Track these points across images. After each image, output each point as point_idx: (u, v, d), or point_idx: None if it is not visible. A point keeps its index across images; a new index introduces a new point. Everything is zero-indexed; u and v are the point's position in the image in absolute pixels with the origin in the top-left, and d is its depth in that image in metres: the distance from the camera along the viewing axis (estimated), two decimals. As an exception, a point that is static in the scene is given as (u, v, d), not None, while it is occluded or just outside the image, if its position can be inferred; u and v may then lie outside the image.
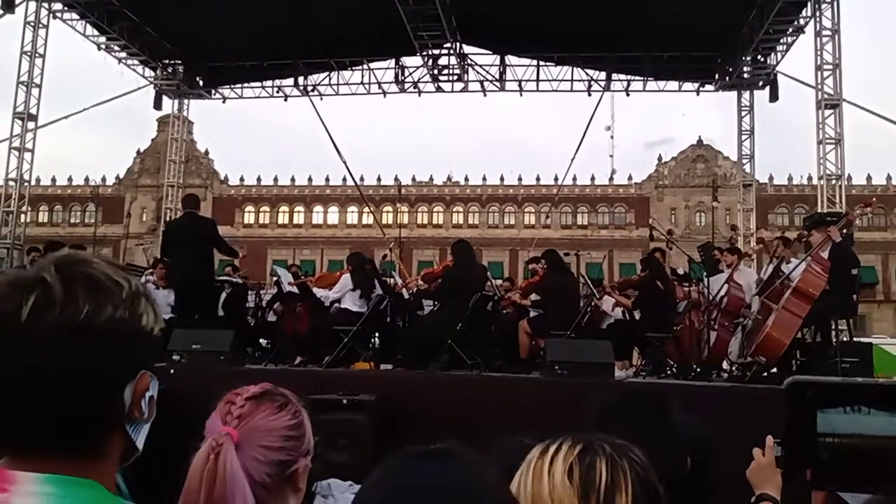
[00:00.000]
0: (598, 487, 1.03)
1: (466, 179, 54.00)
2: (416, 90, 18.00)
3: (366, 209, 49.20)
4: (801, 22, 14.07)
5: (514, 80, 17.68)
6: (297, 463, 1.38)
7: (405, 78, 17.92)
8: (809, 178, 47.87)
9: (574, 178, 46.26)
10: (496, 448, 1.85)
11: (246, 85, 18.99)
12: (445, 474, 1.01)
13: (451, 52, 16.65)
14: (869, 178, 46.44)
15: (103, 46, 17.00)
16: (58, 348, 0.84)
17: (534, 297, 8.74)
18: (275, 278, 9.96)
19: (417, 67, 17.63)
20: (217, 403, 1.44)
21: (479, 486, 0.97)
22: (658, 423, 1.53)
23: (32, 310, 0.84)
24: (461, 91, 17.85)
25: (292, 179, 54.80)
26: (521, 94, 17.82)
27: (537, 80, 17.62)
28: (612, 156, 65.84)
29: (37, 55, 15.32)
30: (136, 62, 17.75)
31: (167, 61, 18.23)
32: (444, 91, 17.90)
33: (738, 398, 6.27)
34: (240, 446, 1.26)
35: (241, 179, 55.04)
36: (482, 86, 17.73)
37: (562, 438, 1.10)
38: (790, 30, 14.55)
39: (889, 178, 48.96)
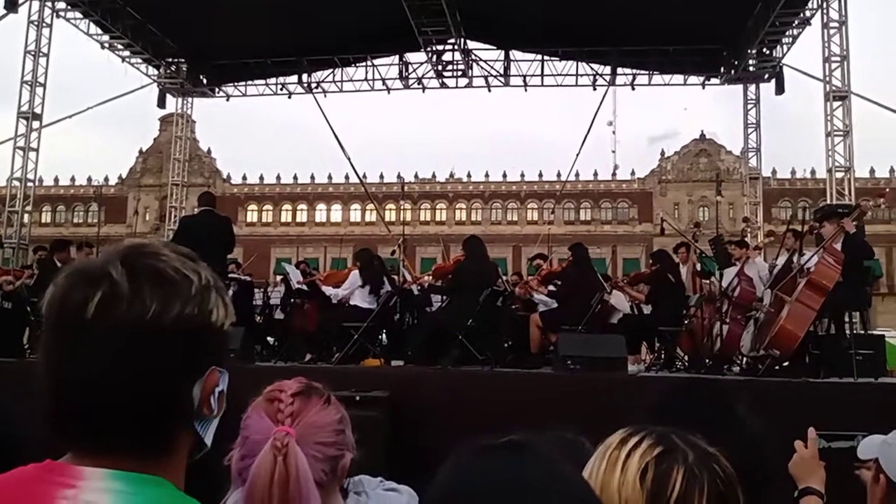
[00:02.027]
0: (668, 498, 0.97)
1: (469, 176, 53.94)
2: (420, 86, 17.94)
3: (369, 207, 49.21)
4: (808, 14, 14.00)
5: (519, 76, 17.64)
6: (345, 457, 1.33)
7: (409, 74, 17.86)
8: (813, 172, 47.85)
9: (577, 174, 46.13)
10: (536, 441, 1.80)
11: (250, 83, 18.95)
12: (524, 468, 0.95)
13: (456, 47, 16.59)
14: (872, 170, 46.24)
15: (107, 45, 16.97)
16: (123, 347, 0.81)
17: (552, 287, 8.68)
18: (280, 277, 9.92)
19: (421, 63, 17.59)
20: (249, 399, 1.38)
21: (561, 480, 0.91)
22: (727, 419, 1.47)
23: (98, 306, 0.81)
24: (465, 87, 17.80)
25: (295, 178, 54.78)
26: (525, 90, 17.78)
27: (542, 75, 17.56)
28: (614, 151, 65.44)
29: (41, 54, 15.30)
30: (139, 61, 17.71)
31: (171, 60, 18.19)
32: (448, 87, 17.85)
33: (753, 392, 6.23)
34: (298, 445, 1.21)
35: (244, 178, 55.05)
36: (486, 81, 17.67)
37: (644, 431, 1.03)
38: (796, 22, 14.47)
39: (892, 170, 48.77)
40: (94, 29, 16.44)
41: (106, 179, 53.86)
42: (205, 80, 18.80)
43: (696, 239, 9.72)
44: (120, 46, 17.07)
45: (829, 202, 12.28)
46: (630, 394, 5.64)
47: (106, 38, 16.75)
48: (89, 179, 53.54)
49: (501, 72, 17.59)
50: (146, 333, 0.81)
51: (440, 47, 16.62)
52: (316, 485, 1.21)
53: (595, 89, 17.51)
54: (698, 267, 9.39)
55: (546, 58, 17.39)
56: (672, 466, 0.99)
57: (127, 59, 17.53)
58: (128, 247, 0.87)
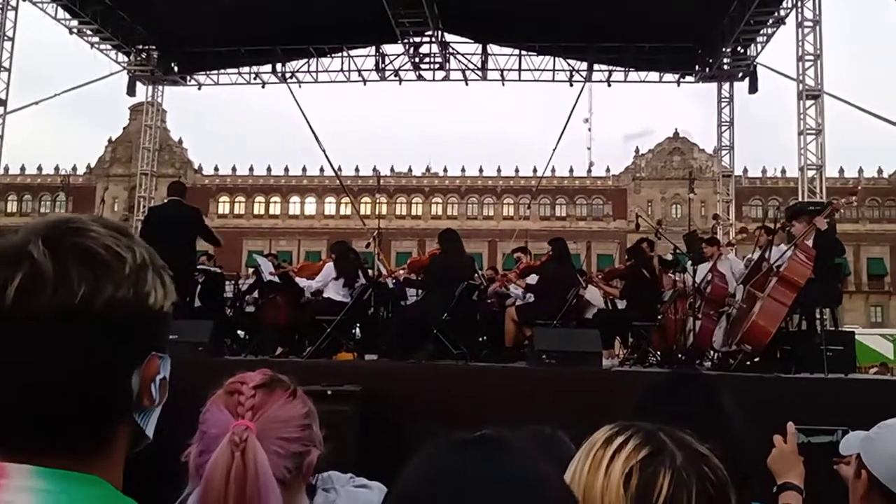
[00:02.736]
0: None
1: (445, 170, 53.93)
2: (397, 78, 17.80)
3: (344, 200, 48.94)
4: (782, 13, 14.13)
5: (496, 70, 17.58)
6: (311, 454, 1.26)
7: (385, 66, 17.72)
8: (783, 171, 48.65)
9: (553, 170, 46.31)
10: (514, 436, 1.74)
11: (222, 71, 18.63)
12: (499, 464, 0.89)
13: (433, 40, 16.46)
14: (841, 170, 47.12)
15: (75, 30, 16.55)
16: (49, 336, 0.72)
17: (530, 280, 8.66)
18: (252, 269, 9.78)
19: (398, 55, 17.45)
20: (209, 393, 1.30)
21: (538, 477, 0.85)
22: (714, 412, 1.42)
23: (17, 291, 0.71)
24: (443, 80, 17.70)
25: (268, 169, 54.32)
26: (503, 84, 17.74)
27: (519, 70, 17.54)
28: (589, 148, 66.03)
29: (5, 38, 14.89)
30: (108, 47, 17.29)
31: (141, 46, 17.79)
32: (425, 80, 17.73)
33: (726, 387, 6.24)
34: (259, 440, 1.13)
35: (216, 169, 54.45)
36: (464, 75, 17.59)
37: (631, 429, 0.97)
38: (770, 21, 14.60)
39: (861, 170, 49.75)
40: (62, 13, 16.04)
41: (74, 169, 53.02)
42: (176, 68, 18.45)
43: (658, 237, 9.83)
44: (89, 32, 16.66)
45: (800, 200, 12.42)
46: (605, 388, 5.62)
47: (75, 23, 16.33)
48: (57, 169, 52.66)
49: (479, 65, 17.52)
50: (74, 321, 0.72)
51: (417, 39, 16.49)
52: (278, 482, 1.13)
53: (572, 85, 17.55)
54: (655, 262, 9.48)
55: (523, 52, 17.36)
56: (658, 471, 0.93)
57: (96, 46, 17.12)
58: (51, 222, 0.77)
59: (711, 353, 8.56)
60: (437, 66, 17.23)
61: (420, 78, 17.66)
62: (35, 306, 0.71)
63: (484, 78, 17.61)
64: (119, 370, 0.76)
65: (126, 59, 17.90)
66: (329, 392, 5.93)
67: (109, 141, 53.77)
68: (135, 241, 0.80)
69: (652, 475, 0.92)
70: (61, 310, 0.72)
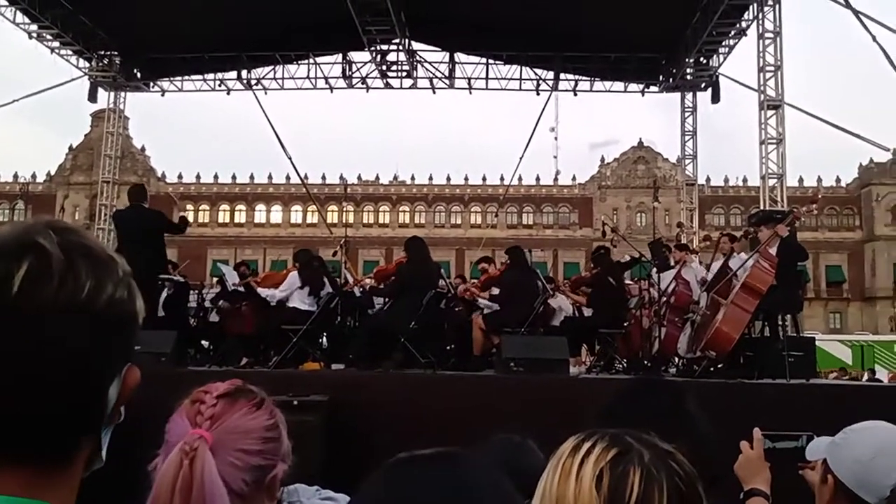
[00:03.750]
0: (627, 502, 0.90)
1: (413, 179, 53.93)
2: (364, 86, 17.76)
3: (311, 208, 48.62)
4: (744, 24, 14.41)
5: (464, 78, 17.64)
6: (276, 468, 1.22)
7: (353, 73, 17.66)
8: (745, 180, 49.60)
9: (520, 179, 46.65)
10: (483, 446, 1.73)
11: (186, 78, 18.37)
12: (457, 480, 0.88)
13: (400, 47, 16.46)
14: (801, 179, 48.17)
15: (34, 35, 16.19)
16: (53, 330, 0.67)
17: (494, 290, 8.67)
18: (217, 278, 9.63)
19: (365, 63, 17.40)
20: (172, 405, 1.26)
21: (494, 493, 0.85)
22: (679, 415, 1.42)
23: (25, 280, 0.66)
24: (410, 88, 17.72)
25: (233, 177, 53.76)
26: (470, 92, 17.79)
27: (486, 79, 17.62)
28: (556, 157, 66.69)
29: (-39, 42, 14.51)
30: (69, 52, 16.95)
31: (103, 52, 17.46)
32: (392, 87, 17.73)
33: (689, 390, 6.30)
34: (215, 451, 1.09)
35: (180, 177, 53.73)
36: (431, 83, 17.61)
37: (597, 435, 0.96)
38: (732, 32, 14.89)
39: (820, 179, 50.99)
40: (20, 17, 15.67)
41: (33, 176, 51.93)
42: (139, 74, 18.16)
43: (614, 245, 9.96)
44: (49, 37, 16.30)
45: (763, 208, 12.64)
46: (572, 395, 5.64)
47: (34, 27, 15.98)
48: (16, 176, 51.52)
49: (446, 74, 17.57)
50: (79, 316, 0.68)
51: (384, 47, 16.46)
52: (235, 495, 1.09)
53: (538, 94, 17.69)
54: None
55: (490, 61, 17.45)
56: (628, 469, 0.92)
57: (56, 51, 16.77)
58: (43, 221, 0.73)
59: (676, 359, 8.65)
60: (404, 73, 17.23)
61: (387, 86, 17.64)
62: (42, 298, 0.67)
63: (451, 86, 17.66)
64: (105, 373, 0.72)
65: (88, 64, 17.55)
66: (295, 402, 5.84)
67: (70, 148, 52.75)
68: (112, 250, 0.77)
69: (622, 474, 0.92)
70: (68, 303, 0.67)
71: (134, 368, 0.76)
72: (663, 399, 1.48)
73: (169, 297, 9.59)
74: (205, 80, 18.27)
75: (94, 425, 0.73)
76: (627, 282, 9.76)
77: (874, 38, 12.20)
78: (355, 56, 17.47)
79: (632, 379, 4.35)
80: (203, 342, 10.15)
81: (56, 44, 16.57)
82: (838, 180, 53.06)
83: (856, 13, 12.12)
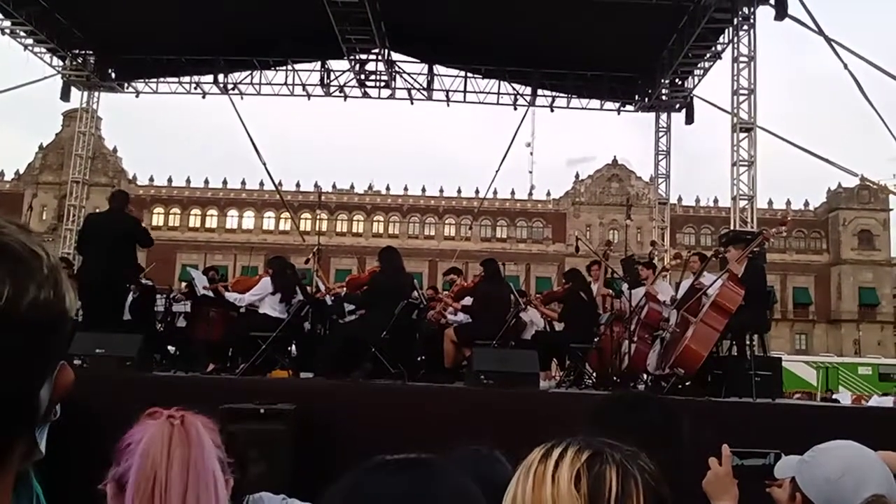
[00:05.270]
0: (607, 498, 0.91)
1: (388, 189, 53.92)
2: (342, 94, 17.73)
3: (284, 215, 48.30)
4: (719, 48, 14.67)
5: (442, 90, 17.70)
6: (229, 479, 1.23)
7: (331, 81, 17.62)
8: (716, 201, 50.41)
9: (495, 192, 46.85)
10: (451, 456, 1.71)
11: (162, 80, 18.19)
12: (426, 486, 0.87)
13: (379, 58, 16.47)
14: (770, 202, 49.07)
15: (7, 31, 15.92)
16: None
17: (466, 301, 8.66)
18: (185, 283, 9.49)
19: (344, 71, 17.38)
20: (137, 410, 1.24)
21: (463, 499, 0.85)
22: (661, 427, 1.42)
23: None
24: (388, 98, 17.72)
25: (206, 181, 53.27)
26: (448, 104, 17.84)
27: (464, 92, 17.70)
28: (531, 172, 67.05)
29: (-70, 36, 14.21)
30: (43, 50, 16.69)
31: (78, 51, 17.23)
32: (370, 97, 17.73)
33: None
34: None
35: (151, 179, 53.15)
36: (409, 94, 17.64)
37: (566, 442, 0.98)
38: (708, 55, 15.15)
39: (789, 202, 51.98)
40: (-6, 13, 15.41)
41: (1, 175, 50.97)
42: (113, 75, 17.94)
43: (606, 257, 9.97)
44: (22, 33, 16.02)
45: (733, 229, 12.82)
46: (541, 409, 5.63)
47: (7, 23, 15.71)
48: (-19, 174, 50.46)
49: (425, 85, 17.61)
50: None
51: (363, 56, 16.48)
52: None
53: (516, 109, 17.83)
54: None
55: (469, 75, 17.55)
56: (604, 468, 0.95)
57: (30, 48, 16.50)
58: None
59: (645, 375, 8.70)
60: (382, 83, 17.24)
61: (365, 95, 17.64)
62: None
63: (429, 98, 17.70)
64: (35, 379, 0.68)
65: (61, 63, 17.29)
66: (262, 410, 5.77)
67: (40, 147, 51.91)
68: (40, 239, 0.72)
69: (599, 473, 0.94)
70: None
71: (66, 368, 0.72)
72: (656, 415, 1.48)
73: (135, 301, 9.44)
74: (180, 82, 18.10)
75: (27, 427, 0.70)
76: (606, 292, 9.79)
77: (846, 66, 12.51)
78: (334, 64, 17.45)
79: (627, 392, 4.36)
80: (169, 347, 9.99)
81: (30, 41, 16.31)
82: (807, 204, 54.15)
83: (828, 41, 12.42)
